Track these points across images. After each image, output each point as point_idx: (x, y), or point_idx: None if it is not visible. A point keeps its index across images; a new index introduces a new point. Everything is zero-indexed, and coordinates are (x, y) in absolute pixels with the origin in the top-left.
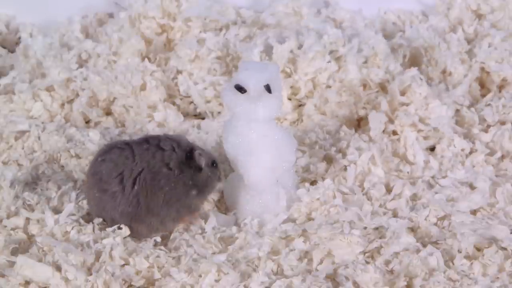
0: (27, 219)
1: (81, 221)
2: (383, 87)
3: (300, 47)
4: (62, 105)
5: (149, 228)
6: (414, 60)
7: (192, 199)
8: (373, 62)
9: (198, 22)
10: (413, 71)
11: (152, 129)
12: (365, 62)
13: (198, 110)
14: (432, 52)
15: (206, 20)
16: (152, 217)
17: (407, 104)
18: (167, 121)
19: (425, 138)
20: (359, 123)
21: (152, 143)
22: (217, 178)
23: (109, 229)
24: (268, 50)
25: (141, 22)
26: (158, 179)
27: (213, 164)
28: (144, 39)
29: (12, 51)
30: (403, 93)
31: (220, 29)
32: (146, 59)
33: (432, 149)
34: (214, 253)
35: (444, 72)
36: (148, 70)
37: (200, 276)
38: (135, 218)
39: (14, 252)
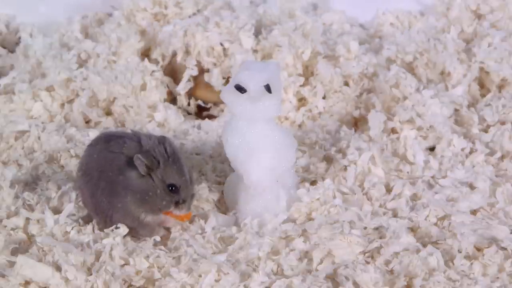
0: (27, 219)
1: (81, 221)
2: (369, 78)
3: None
4: (62, 105)
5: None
6: (409, 67)
7: (130, 206)
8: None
9: (190, 2)
10: (394, 68)
11: (152, 129)
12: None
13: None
14: (428, 54)
15: None
16: (106, 217)
17: (402, 99)
18: (167, 121)
19: (425, 138)
20: (356, 123)
21: (107, 143)
22: (171, 202)
23: (108, 229)
24: None
25: (135, 15)
26: (101, 180)
27: (171, 187)
28: (141, 32)
29: (12, 51)
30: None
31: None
32: (146, 59)
33: (432, 149)
34: (214, 253)
35: (442, 73)
36: (148, 70)
37: (200, 276)
38: (94, 213)
39: (14, 252)
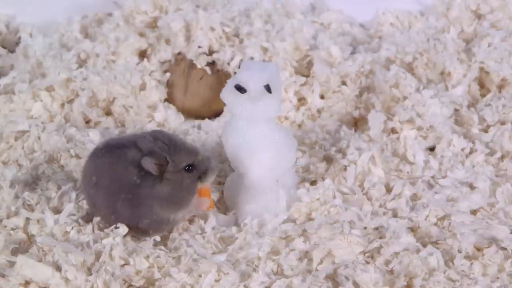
0: (27, 219)
1: (81, 221)
2: (365, 75)
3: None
4: (62, 105)
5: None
6: (408, 67)
7: (159, 213)
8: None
9: (190, 8)
10: (394, 68)
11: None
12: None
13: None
14: (428, 54)
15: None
16: (130, 227)
17: (402, 99)
18: (167, 121)
19: (425, 138)
20: (356, 123)
21: (110, 154)
22: (195, 180)
23: (108, 229)
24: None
25: (134, 17)
26: (120, 193)
27: (188, 168)
28: (139, 34)
29: (12, 51)
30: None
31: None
32: (145, 59)
33: (432, 149)
34: (214, 253)
35: (442, 73)
36: (147, 69)
37: (200, 276)
38: (114, 222)
39: (14, 252)
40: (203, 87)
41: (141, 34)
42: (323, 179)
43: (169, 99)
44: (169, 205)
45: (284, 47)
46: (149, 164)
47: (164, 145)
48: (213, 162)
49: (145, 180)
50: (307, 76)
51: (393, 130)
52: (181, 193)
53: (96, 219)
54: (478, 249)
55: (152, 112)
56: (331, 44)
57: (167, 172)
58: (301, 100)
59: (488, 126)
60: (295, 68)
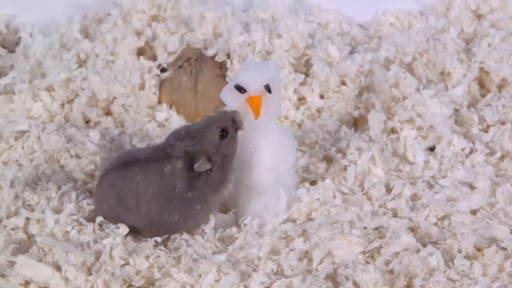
0: (27, 219)
1: (81, 221)
2: (365, 75)
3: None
4: (62, 105)
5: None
6: (408, 67)
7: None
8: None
9: (187, 4)
10: (394, 68)
11: (152, 129)
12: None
13: None
14: (428, 55)
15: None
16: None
17: (402, 99)
18: (169, 121)
19: (425, 138)
20: (356, 123)
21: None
22: (234, 135)
23: (108, 229)
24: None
25: (132, 15)
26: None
27: (221, 135)
28: (137, 33)
29: (12, 51)
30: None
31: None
32: (141, 57)
33: (432, 149)
34: (214, 253)
35: (442, 73)
36: (145, 67)
37: (200, 276)
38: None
39: (14, 252)
40: (214, 87)
41: (138, 34)
42: (323, 179)
43: (178, 107)
44: (228, 179)
45: (281, 44)
46: (203, 165)
47: (190, 140)
48: (225, 109)
49: (199, 178)
50: (306, 75)
51: (393, 130)
52: (232, 157)
53: (99, 219)
54: (478, 249)
55: (152, 111)
56: (329, 44)
57: (212, 156)
58: (301, 100)
59: (488, 126)
60: (293, 65)
